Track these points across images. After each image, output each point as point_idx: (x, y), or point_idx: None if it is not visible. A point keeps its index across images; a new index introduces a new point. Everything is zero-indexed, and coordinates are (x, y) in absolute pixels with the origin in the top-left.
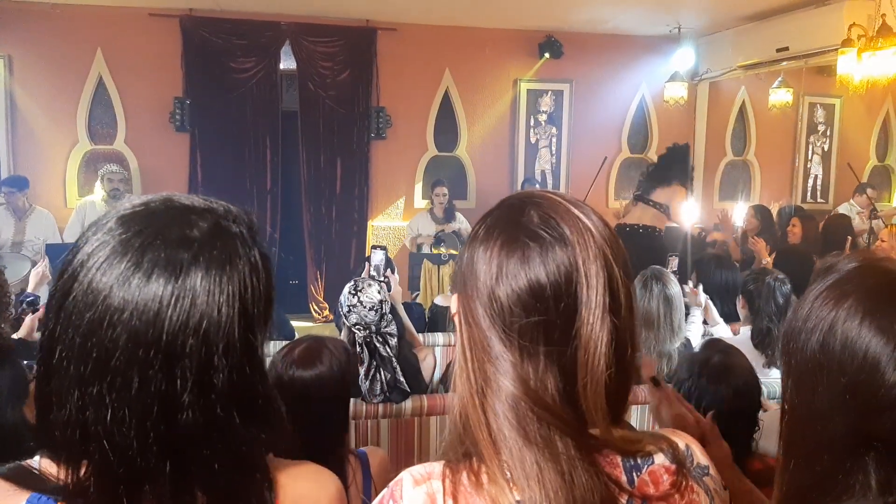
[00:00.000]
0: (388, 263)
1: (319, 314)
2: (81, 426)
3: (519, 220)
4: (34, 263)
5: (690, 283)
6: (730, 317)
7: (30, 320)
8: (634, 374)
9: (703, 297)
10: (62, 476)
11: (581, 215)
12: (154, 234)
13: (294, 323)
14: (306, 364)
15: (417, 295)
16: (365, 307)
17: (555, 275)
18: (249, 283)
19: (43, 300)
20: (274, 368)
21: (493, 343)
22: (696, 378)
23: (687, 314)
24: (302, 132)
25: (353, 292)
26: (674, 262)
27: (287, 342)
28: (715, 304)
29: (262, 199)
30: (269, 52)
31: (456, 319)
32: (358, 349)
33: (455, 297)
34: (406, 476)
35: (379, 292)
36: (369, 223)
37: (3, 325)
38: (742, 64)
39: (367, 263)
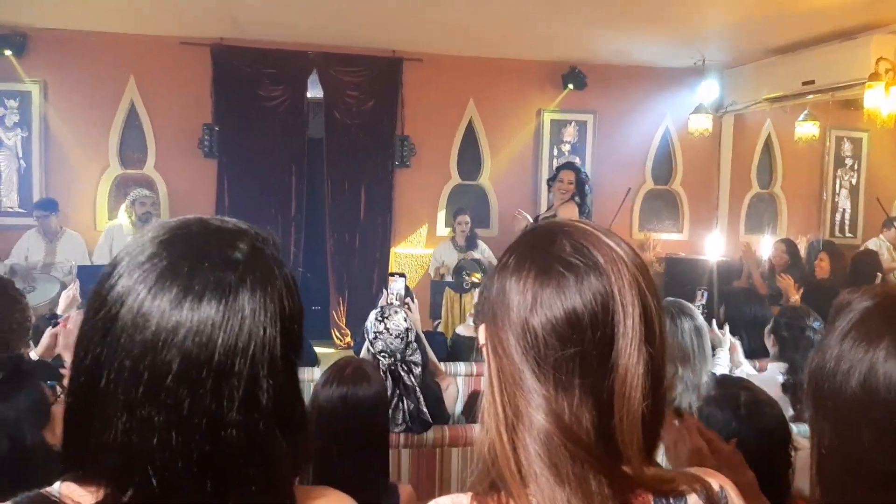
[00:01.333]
0: (407, 291)
1: (341, 340)
2: (125, 449)
3: (550, 250)
4: (63, 285)
5: (714, 323)
6: (757, 352)
7: (48, 337)
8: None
9: (728, 338)
10: (98, 499)
11: (612, 244)
12: (200, 257)
13: (316, 349)
14: (361, 381)
15: (439, 323)
16: (391, 334)
17: (591, 304)
18: (287, 303)
19: (71, 322)
20: (327, 391)
21: (526, 376)
22: (730, 417)
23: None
24: (327, 160)
25: (379, 319)
26: (702, 297)
27: (330, 366)
28: (742, 340)
29: (287, 225)
30: (296, 81)
31: (484, 351)
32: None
33: (483, 328)
34: None
35: (405, 320)
36: (392, 250)
37: (23, 348)
38: (768, 97)
39: (384, 290)
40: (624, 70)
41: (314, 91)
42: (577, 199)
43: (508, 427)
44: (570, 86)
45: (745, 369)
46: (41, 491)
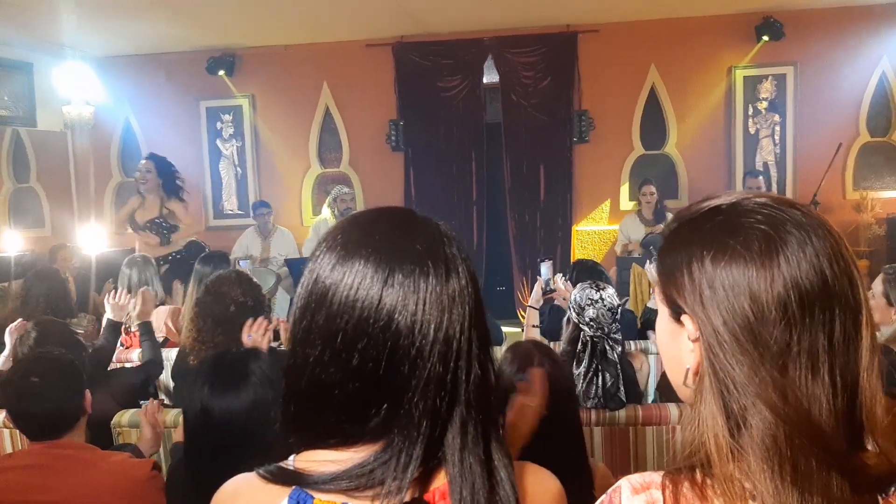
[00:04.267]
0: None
1: (526, 319)
2: (392, 421)
3: (749, 225)
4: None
5: None
6: None
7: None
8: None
9: None
10: (355, 461)
11: (809, 212)
12: (424, 253)
13: (503, 328)
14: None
15: (627, 300)
16: (605, 305)
17: (828, 269)
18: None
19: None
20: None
21: (750, 364)
22: None
23: None
24: (505, 142)
25: (594, 288)
26: None
27: (510, 348)
28: None
29: (469, 209)
30: (472, 69)
31: (695, 343)
32: (579, 347)
33: (688, 318)
34: (624, 483)
35: (616, 296)
36: (573, 228)
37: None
38: None
39: (538, 277)
40: (827, 13)
41: (490, 76)
42: (163, 191)
43: (729, 419)
44: (765, 37)
45: None
46: (280, 464)
